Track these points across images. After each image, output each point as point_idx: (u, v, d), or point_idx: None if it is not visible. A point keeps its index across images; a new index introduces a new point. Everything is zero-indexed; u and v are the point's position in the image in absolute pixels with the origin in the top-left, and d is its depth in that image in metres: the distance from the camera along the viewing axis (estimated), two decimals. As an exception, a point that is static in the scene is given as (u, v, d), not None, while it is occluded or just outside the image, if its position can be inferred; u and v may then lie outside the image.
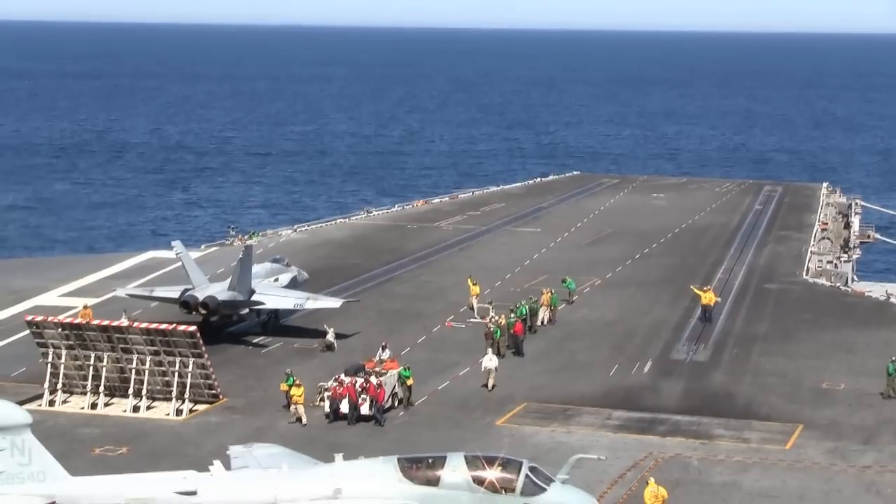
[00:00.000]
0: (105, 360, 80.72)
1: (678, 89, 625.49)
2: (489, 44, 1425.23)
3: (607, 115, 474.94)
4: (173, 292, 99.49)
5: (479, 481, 50.78)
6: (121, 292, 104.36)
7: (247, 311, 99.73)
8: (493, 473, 51.20)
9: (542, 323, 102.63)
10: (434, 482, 50.58)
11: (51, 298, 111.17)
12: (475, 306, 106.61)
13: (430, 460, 51.71)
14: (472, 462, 51.43)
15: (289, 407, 78.21)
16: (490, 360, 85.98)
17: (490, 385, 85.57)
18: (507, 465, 51.72)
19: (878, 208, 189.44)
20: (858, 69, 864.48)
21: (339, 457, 53.69)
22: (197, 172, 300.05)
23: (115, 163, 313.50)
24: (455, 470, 50.84)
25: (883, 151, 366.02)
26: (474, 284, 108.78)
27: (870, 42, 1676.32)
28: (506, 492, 50.87)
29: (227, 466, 55.78)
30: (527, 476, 51.40)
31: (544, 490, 51.30)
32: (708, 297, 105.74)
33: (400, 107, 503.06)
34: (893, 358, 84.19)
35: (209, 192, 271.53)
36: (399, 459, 51.66)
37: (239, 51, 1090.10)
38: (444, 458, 51.73)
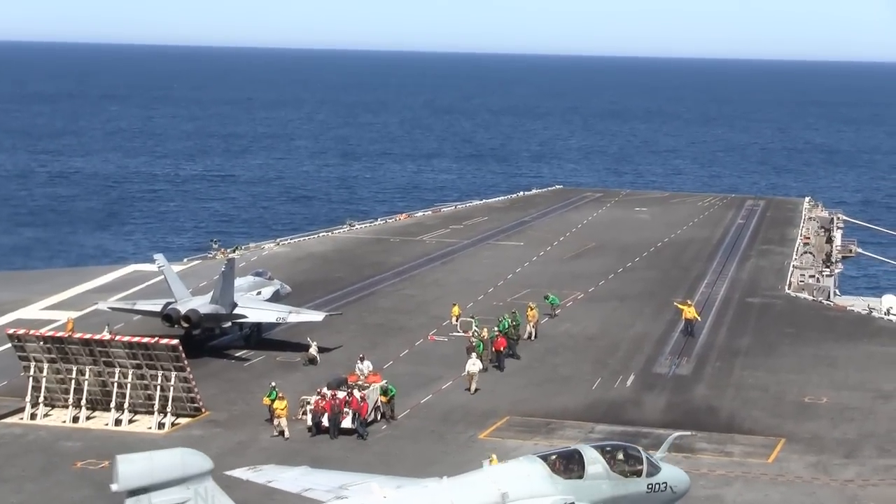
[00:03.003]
0: (87, 374, 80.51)
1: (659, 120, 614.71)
2: (471, 68, 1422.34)
3: (581, 145, 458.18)
4: (156, 306, 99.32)
5: (616, 469, 53.31)
6: (103, 306, 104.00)
7: (229, 324, 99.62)
8: (623, 460, 54.05)
9: (530, 338, 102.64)
10: (580, 475, 52.35)
11: (33, 312, 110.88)
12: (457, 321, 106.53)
13: (568, 455, 53.43)
14: (603, 452, 53.76)
15: (272, 420, 78.06)
16: (473, 365, 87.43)
17: (472, 389, 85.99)
18: (630, 451, 54.88)
19: (859, 223, 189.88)
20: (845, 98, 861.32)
21: (486, 462, 54.27)
22: (174, 187, 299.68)
23: (95, 176, 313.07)
24: (594, 462, 52.86)
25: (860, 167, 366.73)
26: (454, 305, 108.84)
27: (860, 70, 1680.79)
28: (635, 476, 53.81)
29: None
30: (647, 459, 54.67)
31: (660, 470, 54.82)
32: (690, 312, 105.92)
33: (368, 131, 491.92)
34: None
35: (191, 205, 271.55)
36: (541, 458, 52.87)
37: (213, 73, 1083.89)
38: (579, 451, 53.68)
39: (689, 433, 66.50)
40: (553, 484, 51.53)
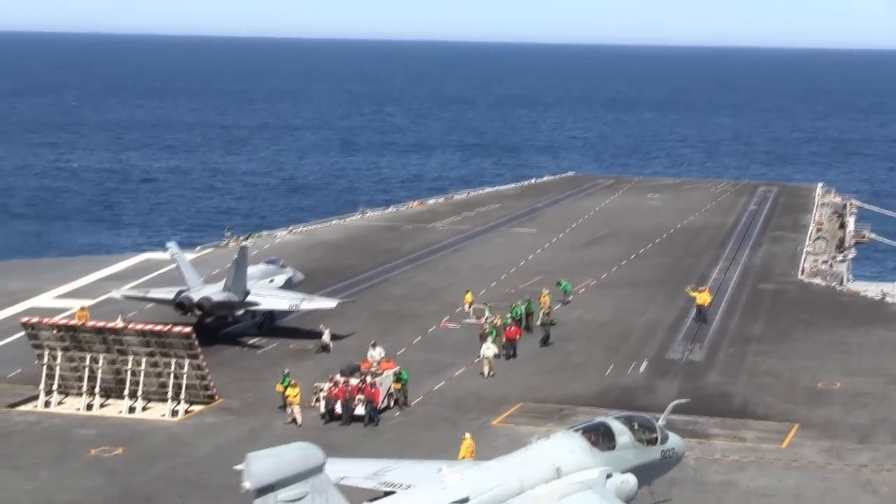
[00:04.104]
0: (100, 362, 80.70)
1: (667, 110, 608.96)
2: (478, 57, 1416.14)
3: (586, 136, 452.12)
4: (168, 293, 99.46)
5: (638, 439, 56.14)
6: (116, 294, 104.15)
7: (242, 312, 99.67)
8: (642, 430, 56.81)
9: (542, 324, 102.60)
10: (612, 446, 54.87)
11: (46, 300, 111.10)
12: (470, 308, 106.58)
13: (598, 429, 55.55)
14: (626, 423, 56.48)
15: (285, 408, 78.17)
16: (488, 349, 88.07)
17: (487, 373, 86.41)
18: (647, 422, 57.58)
19: (873, 208, 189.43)
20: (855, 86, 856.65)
21: (534, 439, 55.57)
22: (186, 174, 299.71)
23: (92, 169, 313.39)
24: (622, 433, 55.51)
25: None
26: (467, 292, 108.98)
27: (868, 58, 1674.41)
28: (652, 444, 56.84)
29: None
30: (660, 428, 57.76)
31: (668, 437, 58.09)
32: (703, 297, 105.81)
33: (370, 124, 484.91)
34: None
35: (203, 193, 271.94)
36: (577, 431, 55.06)
37: (220, 62, 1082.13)
38: (606, 424, 55.97)
39: (685, 400, 68.09)
40: (593, 456, 53.85)
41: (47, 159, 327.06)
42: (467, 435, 67.34)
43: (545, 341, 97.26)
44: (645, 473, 56.15)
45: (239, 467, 57.56)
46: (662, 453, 57.41)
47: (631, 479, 54.68)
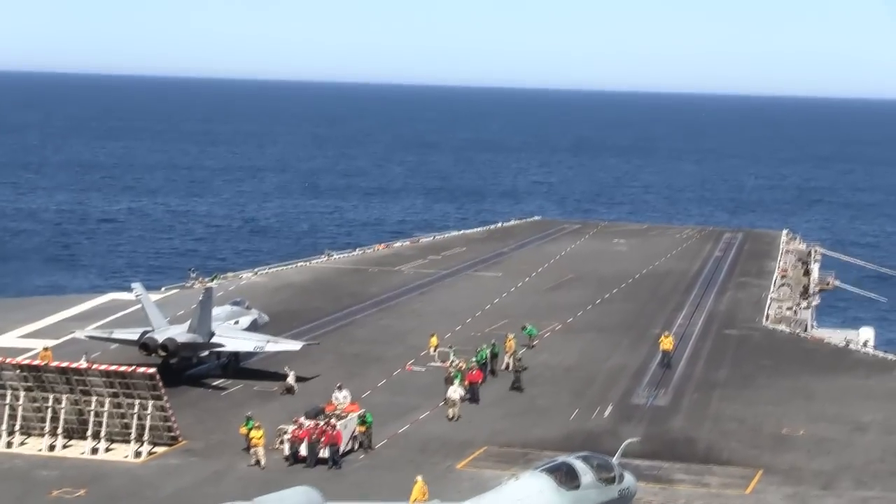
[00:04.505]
0: (63, 402, 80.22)
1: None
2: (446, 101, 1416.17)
3: (551, 181, 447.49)
4: (133, 334, 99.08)
5: (599, 478, 57.37)
6: (80, 334, 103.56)
7: (207, 353, 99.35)
8: (602, 469, 58.09)
9: (507, 368, 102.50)
10: (576, 486, 56.03)
11: (9, 340, 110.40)
12: (435, 351, 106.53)
13: (561, 468, 56.56)
14: (587, 462, 57.68)
15: (248, 450, 77.87)
16: (454, 392, 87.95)
17: (452, 415, 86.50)
18: (604, 461, 58.92)
19: (837, 255, 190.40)
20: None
21: (506, 479, 56.79)
22: (147, 215, 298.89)
23: (72, 201, 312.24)
24: (585, 473, 56.69)
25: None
26: (432, 335, 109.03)
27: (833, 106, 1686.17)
28: (610, 483, 58.03)
29: None
30: (617, 467, 59.28)
31: (623, 476, 59.37)
32: (667, 343, 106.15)
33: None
34: None
35: (164, 235, 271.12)
36: (543, 471, 55.91)
37: (183, 103, 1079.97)
38: (569, 464, 57.02)
39: (636, 439, 70.90)
40: (561, 496, 54.95)
41: (6, 198, 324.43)
42: (419, 478, 67.53)
43: (517, 387, 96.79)
44: None
45: None
46: (619, 492, 58.61)
47: None
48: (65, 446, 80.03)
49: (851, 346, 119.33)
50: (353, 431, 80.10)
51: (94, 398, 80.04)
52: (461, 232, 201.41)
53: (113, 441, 79.98)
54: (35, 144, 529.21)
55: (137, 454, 78.72)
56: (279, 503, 45.11)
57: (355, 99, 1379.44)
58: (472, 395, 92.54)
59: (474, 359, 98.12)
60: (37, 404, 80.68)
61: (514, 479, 55.39)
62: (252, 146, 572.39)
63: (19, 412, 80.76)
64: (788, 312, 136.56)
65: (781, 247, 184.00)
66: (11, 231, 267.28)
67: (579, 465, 56.71)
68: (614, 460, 59.89)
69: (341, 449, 77.69)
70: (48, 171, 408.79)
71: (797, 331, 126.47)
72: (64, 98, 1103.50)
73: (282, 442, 78.42)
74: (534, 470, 56.68)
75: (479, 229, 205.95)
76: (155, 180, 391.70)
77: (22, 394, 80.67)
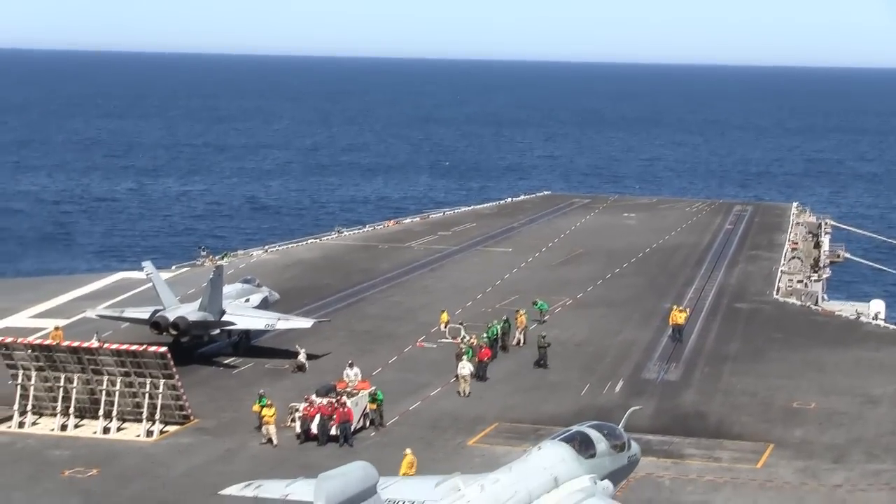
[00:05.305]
0: (75, 382, 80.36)
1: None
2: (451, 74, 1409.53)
3: (558, 154, 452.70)
4: (144, 313, 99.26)
5: (611, 446, 57.84)
6: (91, 313, 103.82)
7: (217, 331, 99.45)
8: (613, 437, 58.58)
9: (518, 344, 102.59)
10: (592, 454, 56.53)
11: (21, 320, 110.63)
12: (446, 328, 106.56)
13: (576, 437, 56.98)
14: (599, 430, 58.16)
15: (260, 428, 77.98)
16: (464, 368, 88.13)
17: (464, 391, 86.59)
18: (613, 429, 59.39)
19: (848, 227, 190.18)
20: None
21: (533, 449, 56.53)
22: (149, 194, 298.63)
23: (81, 180, 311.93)
24: (599, 441, 57.21)
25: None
26: (443, 312, 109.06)
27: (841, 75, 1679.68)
28: (620, 450, 58.58)
29: None
30: (624, 434, 59.80)
31: (632, 443, 60.14)
32: (679, 317, 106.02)
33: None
34: None
35: (181, 211, 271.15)
36: (563, 441, 56.38)
37: (189, 79, 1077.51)
38: (584, 432, 57.47)
39: (639, 407, 72.70)
40: (580, 464, 55.51)
41: (6, 178, 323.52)
42: (408, 450, 68.13)
43: (542, 363, 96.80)
44: (616, 479, 58.19)
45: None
46: (628, 458, 59.47)
47: (609, 486, 56.61)
48: (77, 426, 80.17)
49: (862, 318, 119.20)
50: (365, 409, 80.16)
51: (105, 377, 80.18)
52: (471, 207, 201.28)
53: (125, 420, 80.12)
54: (37, 120, 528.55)
55: (149, 433, 78.84)
56: (342, 477, 45.29)
57: (358, 72, 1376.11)
58: (482, 372, 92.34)
59: (485, 335, 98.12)
60: (48, 384, 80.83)
61: (537, 449, 55.75)
62: (257, 122, 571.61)
63: (31, 392, 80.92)
64: (799, 285, 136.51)
65: (791, 219, 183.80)
66: (10, 212, 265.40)
67: (593, 434, 57.37)
68: (621, 427, 60.43)
69: (353, 426, 77.77)
70: (50, 149, 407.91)
71: (808, 304, 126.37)
72: (64, 76, 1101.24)
73: (293, 420, 78.55)
74: (552, 439, 57.05)
75: (488, 204, 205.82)
76: (160, 158, 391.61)
77: (34, 374, 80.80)
